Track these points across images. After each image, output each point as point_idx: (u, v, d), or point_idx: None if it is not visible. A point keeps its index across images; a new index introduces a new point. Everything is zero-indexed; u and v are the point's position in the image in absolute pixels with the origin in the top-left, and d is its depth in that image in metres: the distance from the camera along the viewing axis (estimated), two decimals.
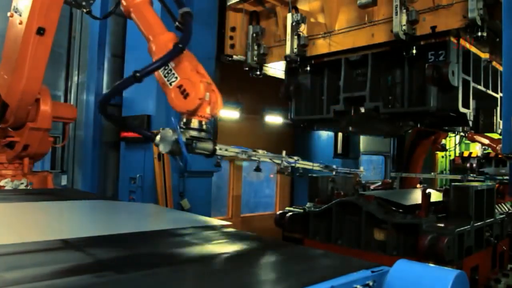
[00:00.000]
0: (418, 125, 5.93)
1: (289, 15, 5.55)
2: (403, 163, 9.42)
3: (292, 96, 6.09)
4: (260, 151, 4.12)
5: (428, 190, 5.26)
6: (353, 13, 5.31)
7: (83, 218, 3.20)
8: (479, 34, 4.19)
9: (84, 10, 4.63)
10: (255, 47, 6.19)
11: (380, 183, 9.69)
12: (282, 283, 1.54)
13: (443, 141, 9.93)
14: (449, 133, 9.56)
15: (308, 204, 6.11)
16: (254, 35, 6.18)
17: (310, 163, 4.71)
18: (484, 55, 5.38)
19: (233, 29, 6.47)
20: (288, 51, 5.57)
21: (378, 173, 14.61)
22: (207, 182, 7.19)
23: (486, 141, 9.07)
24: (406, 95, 5.03)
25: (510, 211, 6.22)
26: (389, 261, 1.67)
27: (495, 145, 8.90)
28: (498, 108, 5.85)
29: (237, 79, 7.46)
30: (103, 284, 1.45)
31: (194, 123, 3.49)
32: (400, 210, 5.15)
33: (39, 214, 3.12)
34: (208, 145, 3.67)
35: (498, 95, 5.68)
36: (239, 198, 9.88)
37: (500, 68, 5.62)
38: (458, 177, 8.50)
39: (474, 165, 10.67)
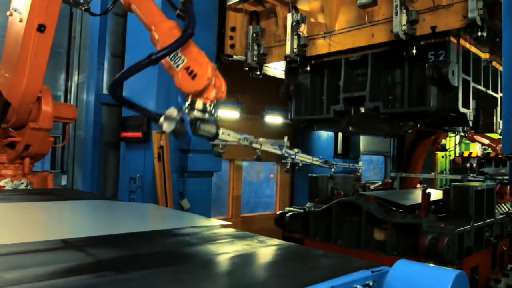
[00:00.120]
0: (418, 125, 5.93)
1: (289, 15, 5.55)
2: (403, 163, 9.41)
3: (292, 96, 6.09)
4: (262, 139, 4.16)
5: (428, 190, 5.26)
6: (353, 13, 5.31)
7: (83, 218, 3.19)
8: (479, 34, 4.20)
9: (82, 8, 4.65)
10: (255, 47, 6.19)
11: (380, 183, 9.70)
12: (282, 283, 1.54)
13: (443, 141, 9.93)
14: (449, 133, 9.57)
15: (308, 204, 6.11)
16: (254, 35, 6.18)
17: (310, 157, 4.72)
18: (484, 55, 5.38)
19: (233, 29, 6.47)
20: (288, 51, 5.57)
21: (378, 173, 14.62)
22: (207, 182, 7.19)
23: (486, 141, 9.06)
24: (406, 95, 5.03)
25: (510, 211, 6.23)
26: (389, 261, 1.67)
27: (495, 145, 8.89)
28: (498, 108, 5.86)
29: (237, 79, 7.46)
30: (103, 284, 1.45)
31: (199, 104, 3.54)
32: (400, 210, 5.15)
33: (39, 214, 3.12)
34: (211, 128, 3.74)
35: (498, 95, 5.68)
36: (239, 198, 9.88)
37: (500, 68, 5.62)
38: (458, 177, 8.50)
39: (474, 165, 10.66)
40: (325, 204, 5.70)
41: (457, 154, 11.62)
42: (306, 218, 5.76)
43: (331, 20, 5.53)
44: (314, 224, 5.66)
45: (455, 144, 11.15)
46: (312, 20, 5.74)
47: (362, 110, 5.44)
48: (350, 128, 6.64)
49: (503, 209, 6.27)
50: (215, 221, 2.88)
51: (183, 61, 3.42)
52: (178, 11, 3.75)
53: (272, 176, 11.06)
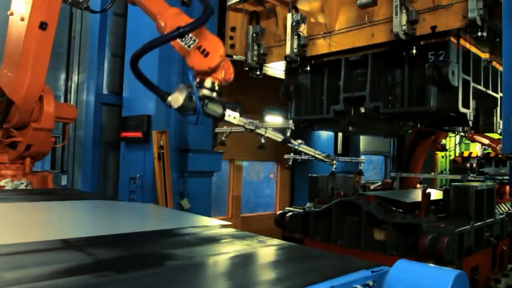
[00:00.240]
0: (418, 125, 5.93)
1: (289, 15, 5.55)
2: (403, 163, 9.41)
3: (292, 96, 6.09)
4: (268, 122, 4.20)
5: (428, 190, 5.26)
6: (353, 13, 5.31)
7: (83, 218, 3.20)
8: (479, 34, 4.19)
9: (82, 7, 4.68)
10: (255, 47, 6.19)
11: (380, 183, 9.70)
12: (282, 283, 1.54)
13: (443, 141, 9.93)
14: (449, 133, 9.56)
15: (308, 204, 6.11)
16: (254, 35, 6.18)
17: (312, 150, 4.72)
18: (484, 55, 5.38)
19: (233, 29, 6.47)
20: (288, 51, 5.57)
21: (378, 173, 14.62)
22: (207, 182, 7.20)
23: (486, 141, 9.07)
24: (406, 95, 5.03)
25: (510, 211, 6.23)
26: (389, 261, 1.67)
27: (495, 145, 8.89)
28: (498, 108, 5.86)
29: (237, 79, 7.46)
30: (103, 284, 1.45)
31: (208, 83, 3.62)
32: (400, 210, 5.15)
33: (39, 214, 3.12)
34: (218, 108, 3.81)
35: (498, 95, 5.68)
36: (239, 198, 9.88)
37: (500, 68, 5.62)
38: (458, 177, 8.50)
39: (474, 165, 10.66)
40: (325, 204, 5.70)
41: (457, 154, 11.62)
42: (306, 218, 5.76)
43: (331, 20, 5.53)
44: (314, 224, 5.66)
45: (455, 144, 11.15)
46: (312, 20, 5.74)
47: (362, 110, 5.44)
48: (350, 128, 6.64)
49: (503, 209, 6.27)
50: (215, 221, 2.88)
51: (194, 41, 3.47)
52: None
53: (272, 176, 11.06)
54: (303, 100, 6.07)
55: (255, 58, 6.20)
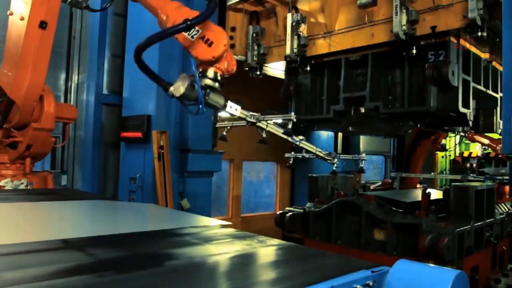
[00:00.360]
0: (418, 125, 5.93)
1: (289, 15, 5.55)
2: (403, 163, 9.41)
3: (292, 96, 6.09)
4: (269, 116, 4.22)
5: (428, 190, 5.26)
6: (353, 13, 5.31)
7: (83, 218, 3.19)
8: (479, 34, 4.20)
9: (82, 7, 4.69)
10: (255, 47, 6.19)
11: (380, 183, 9.70)
12: (282, 283, 1.54)
13: (443, 141, 9.92)
14: (449, 133, 9.56)
15: (308, 204, 6.11)
16: (254, 35, 6.18)
17: (314, 147, 4.70)
18: (484, 55, 5.38)
19: (233, 29, 6.47)
20: (288, 51, 5.57)
21: (378, 173, 14.62)
22: (207, 182, 7.19)
23: (486, 141, 9.06)
24: (406, 95, 5.03)
25: (510, 211, 6.22)
26: (389, 261, 1.67)
27: (495, 145, 8.89)
28: (498, 108, 5.86)
29: (237, 79, 7.46)
30: (103, 284, 1.45)
31: (210, 72, 3.64)
32: (400, 210, 5.15)
33: (39, 214, 3.12)
34: (220, 99, 3.83)
35: (498, 95, 5.68)
36: (239, 198, 9.89)
37: (500, 68, 5.62)
38: (458, 177, 8.50)
39: (474, 165, 10.66)
40: (325, 204, 5.70)
41: (457, 154, 11.62)
42: (306, 218, 5.76)
43: (331, 20, 5.53)
44: (314, 224, 5.66)
45: (455, 144, 11.14)
46: (312, 20, 5.74)
47: (362, 110, 5.44)
48: (350, 128, 6.65)
49: (503, 209, 6.27)
50: (215, 221, 2.88)
51: (198, 32, 3.49)
52: None
53: (272, 176, 11.06)
54: (303, 100, 6.07)
55: (255, 58, 6.20)
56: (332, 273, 1.58)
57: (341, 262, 1.89)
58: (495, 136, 8.36)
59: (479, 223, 5.00)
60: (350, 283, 1.49)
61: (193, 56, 3.61)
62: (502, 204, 6.43)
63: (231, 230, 2.51)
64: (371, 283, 1.54)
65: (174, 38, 3.61)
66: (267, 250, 2.10)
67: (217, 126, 5.17)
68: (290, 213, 5.91)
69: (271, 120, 4.29)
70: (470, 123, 4.98)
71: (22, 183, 5.40)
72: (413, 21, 4.52)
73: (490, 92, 5.56)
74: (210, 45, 3.51)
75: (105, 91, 7.98)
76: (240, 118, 4.58)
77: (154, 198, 6.38)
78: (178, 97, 3.65)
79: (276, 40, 6.19)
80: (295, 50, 5.52)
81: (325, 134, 10.77)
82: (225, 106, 3.91)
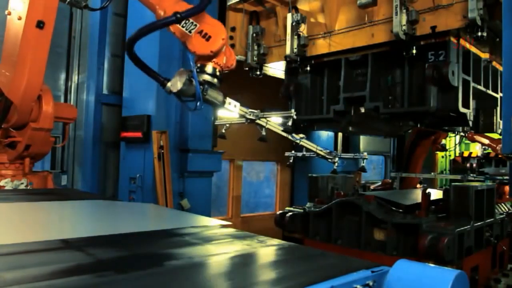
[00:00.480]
0: (418, 125, 5.92)
1: (289, 15, 5.54)
2: (403, 163, 9.41)
3: (292, 96, 6.08)
4: (269, 113, 4.17)
5: (428, 190, 5.26)
6: (353, 13, 5.31)
7: (83, 218, 3.19)
8: (479, 34, 4.19)
9: (81, 6, 4.68)
10: (255, 47, 6.19)
11: (380, 183, 9.70)
12: (282, 283, 1.54)
13: (443, 141, 9.92)
14: (449, 133, 9.56)
15: (308, 204, 6.11)
16: (254, 35, 6.18)
17: (314, 145, 4.67)
18: (484, 55, 5.38)
19: (233, 29, 6.47)
20: (288, 51, 5.56)
21: (378, 173, 14.63)
22: (207, 182, 7.20)
23: (486, 141, 9.06)
24: (406, 95, 5.03)
25: (510, 211, 6.22)
26: (389, 261, 1.67)
27: (495, 145, 8.89)
28: (498, 108, 5.85)
29: (237, 79, 7.47)
30: (103, 284, 1.45)
31: (209, 68, 3.57)
32: (400, 210, 5.15)
33: (39, 214, 3.12)
34: (218, 95, 3.75)
35: (498, 95, 5.68)
36: (239, 198, 9.89)
37: (500, 68, 5.62)
38: (458, 177, 8.50)
39: (474, 165, 10.66)
40: (325, 204, 5.70)
41: (457, 154, 11.62)
42: (306, 218, 5.76)
43: (331, 20, 5.53)
44: (314, 224, 5.66)
45: (455, 144, 11.14)
46: (312, 20, 5.74)
47: (362, 110, 5.43)
48: (350, 128, 6.64)
49: (503, 209, 6.26)
50: (215, 221, 2.88)
51: (196, 26, 3.44)
52: None
53: (272, 176, 11.06)
54: (303, 100, 6.07)
55: (255, 58, 6.20)
56: (332, 273, 1.59)
57: (341, 262, 1.89)
58: (495, 136, 8.36)
59: (479, 223, 4.99)
60: (350, 283, 1.49)
61: (190, 51, 3.56)
62: (502, 204, 6.42)
63: (231, 230, 2.51)
64: (371, 283, 1.54)
65: (174, 35, 3.57)
66: (267, 250, 2.10)
67: (216, 123, 5.11)
68: (290, 213, 5.91)
69: (271, 117, 4.24)
70: (470, 123, 4.97)
71: (22, 183, 5.40)
72: (413, 21, 4.51)
73: (490, 92, 5.55)
74: (208, 39, 3.46)
75: (105, 91, 7.99)
76: (239, 115, 4.52)
77: (154, 198, 6.38)
78: (176, 92, 3.60)
79: (276, 40, 6.19)
80: (295, 50, 5.52)
81: (325, 134, 10.78)
82: (224, 102, 3.85)
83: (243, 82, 7.40)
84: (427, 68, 4.66)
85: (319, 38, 5.64)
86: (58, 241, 2.04)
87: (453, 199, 5.16)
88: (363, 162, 5.93)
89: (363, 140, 12.65)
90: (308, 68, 5.85)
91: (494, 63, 5.59)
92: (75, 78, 8.45)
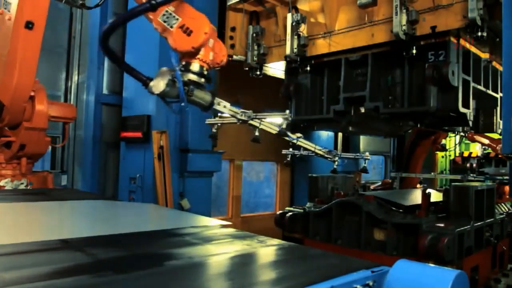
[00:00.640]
0: (418, 125, 5.93)
1: (289, 15, 5.54)
2: (403, 163, 9.41)
3: (292, 96, 6.09)
4: (262, 114, 3.95)
5: (428, 190, 5.26)
6: (353, 13, 5.31)
7: (83, 218, 3.19)
8: (479, 34, 4.19)
9: (78, 4, 4.66)
10: (255, 47, 6.19)
11: (380, 183, 9.69)
12: (282, 283, 1.54)
13: (443, 141, 9.92)
14: (449, 133, 9.56)
15: (308, 204, 6.11)
16: (254, 35, 6.18)
17: (312, 145, 4.57)
18: (484, 55, 5.38)
19: (233, 29, 6.47)
20: (288, 51, 5.56)
21: (378, 173, 14.62)
22: (207, 182, 7.20)
23: (486, 141, 9.06)
24: (406, 95, 5.03)
25: (510, 211, 6.22)
26: (389, 261, 1.67)
27: (495, 145, 8.88)
28: (498, 108, 5.85)
29: (237, 79, 7.46)
30: (103, 284, 1.45)
31: (195, 66, 3.25)
32: (400, 210, 5.15)
33: (39, 214, 3.12)
34: (206, 96, 3.44)
35: (498, 95, 5.68)
36: (239, 198, 9.88)
37: (500, 68, 5.62)
38: (458, 177, 8.50)
39: (474, 165, 10.65)
40: (325, 204, 5.70)
41: (457, 154, 11.62)
42: (306, 218, 5.76)
43: (331, 20, 5.53)
44: (314, 224, 5.66)
45: (455, 144, 11.14)
46: (312, 20, 5.74)
47: (362, 110, 5.43)
48: (350, 128, 6.64)
49: (503, 209, 6.26)
50: (215, 221, 2.88)
51: (177, 20, 3.14)
52: None
53: (272, 175, 11.06)
54: (303, 100, 6.07)
55: (255, 58, 6.20)
56: (332, 273, 1.59)
57: (341, 262, 1.89)
58: (495, 136, 8.36)
59: (479, 223, 4.99)
60: (350, 283, 1.49)
61: (172, 47, 3.23)
62: (502, 204, 6.42)
63: (231, 230, 2.51)
64: (371, 283, 1.54)
65: (156, 30, 3.28)
66: (267, 250, 2.10)
67: (206, 122, 4.92)
68: (290, 213, 5.91)
69: (265, 118, 4.06)
70: (470, 123, 4.97)
71: (22, 183, 5.40)
72: (413, 21, 4.51)
73: (490, 92, 5.56)
74: (189, 34, 3.13)
75: (105, 91, 7.99)
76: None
77: (154, 198, 6.38)
78: (158, 94, 3.30)
79: (276, 40, 6.19)
80: (295, 50, 5.52)
81: (325, 134, 10.78)
82: (212, 103, 3.49)
83: (243, 82, 7.41)
84: (427, 68, 4.66)
85: (319, 38, 5.64)
86: (58, 241, 2.04)
87: (453, 199, 5.16)
88: (365, 163, 5.86)
89: (363, 140, 12.64)
90: (308, 68, 5.85)
91: (494, 63, 5.59)
92: (75, 78, 8.46)
